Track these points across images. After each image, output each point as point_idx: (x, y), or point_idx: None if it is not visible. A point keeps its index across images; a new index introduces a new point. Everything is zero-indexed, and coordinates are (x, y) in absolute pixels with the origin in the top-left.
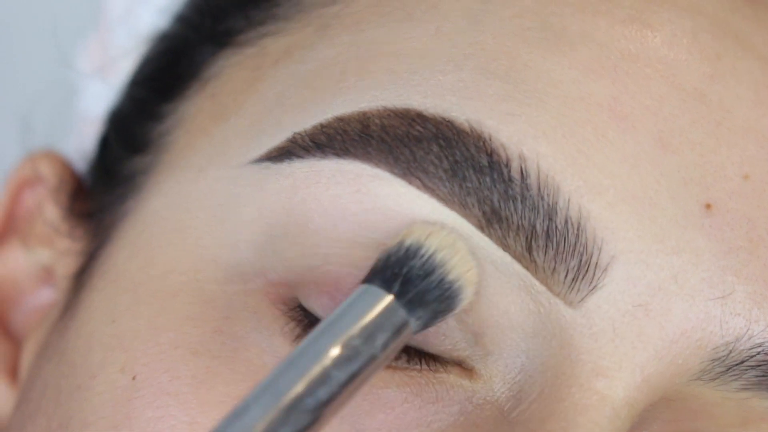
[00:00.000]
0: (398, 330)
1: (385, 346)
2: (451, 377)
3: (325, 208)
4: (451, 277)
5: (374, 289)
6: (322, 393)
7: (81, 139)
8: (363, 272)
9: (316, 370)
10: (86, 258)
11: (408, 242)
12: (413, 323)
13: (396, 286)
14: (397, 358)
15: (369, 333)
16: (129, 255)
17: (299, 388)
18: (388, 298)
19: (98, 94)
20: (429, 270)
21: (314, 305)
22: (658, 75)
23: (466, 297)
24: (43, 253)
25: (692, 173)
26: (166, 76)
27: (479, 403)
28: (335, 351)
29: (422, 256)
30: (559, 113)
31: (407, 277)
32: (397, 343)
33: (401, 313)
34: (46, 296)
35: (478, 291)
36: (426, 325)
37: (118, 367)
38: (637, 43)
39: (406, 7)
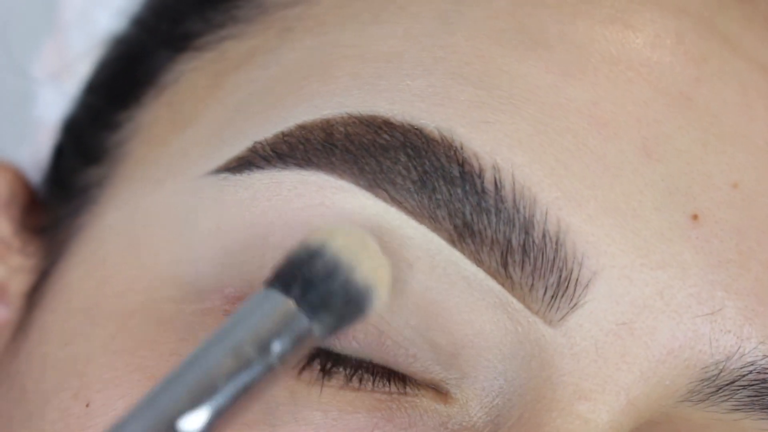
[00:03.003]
0: (299, 336)
1: (283, 354)
2: (425, 401)
3: (287, 221)
4: (357, 276)
5: (273, 294)
6: (208, 407)
7: (35, 149)
8: None
9: (201, 383)
10: (39, 275)
11: (310, 242)
12: (316, 329)
13: (296, 290)
14: (361, 379)
15: (263, 341)
16: (83, 274)
17: (182, 403)
18: (287, 303)
19: (53, 101)
20: (331, 270)
21: None
22: (641, 78)
23: (378, 298)
24: None
25: (678, 182)
26: (122, 82)
27: (455, 429)
28: (224, 361)
29: (324, 255)
30: (535, 120)
31: (308, 278)
32: (299, 351)
33: (302, 319)
34: (1, 315)
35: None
36: (334, 331)
37: (72, 394)
38: (619, 45)
39: (372, 8)
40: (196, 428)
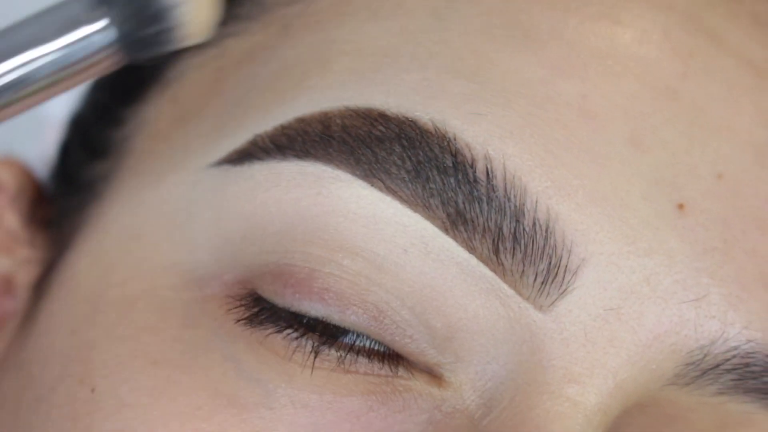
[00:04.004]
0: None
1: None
2: (419, 385)
3: (285, 210)
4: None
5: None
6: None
7: (43, 144)
8: (321, 268)
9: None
10: (46, 267)
11: None
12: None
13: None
14: (354, 361)
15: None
16: (88, 264)
17: None
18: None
19: (59, 98)
20: None
21: (269, 292)
22: (629, 73)
23: (186, 21)
24: (3, 261)
25: (664, 173)
26: (127, 78)
27: (448, 412)
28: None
29: None
30: (526, 113)
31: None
32: (95, 56)
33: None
34: (7, 306)
35: None
36: (137, 42)
37: (77, 379)
38: (607, 41)
39: (369, 6)
40: None
